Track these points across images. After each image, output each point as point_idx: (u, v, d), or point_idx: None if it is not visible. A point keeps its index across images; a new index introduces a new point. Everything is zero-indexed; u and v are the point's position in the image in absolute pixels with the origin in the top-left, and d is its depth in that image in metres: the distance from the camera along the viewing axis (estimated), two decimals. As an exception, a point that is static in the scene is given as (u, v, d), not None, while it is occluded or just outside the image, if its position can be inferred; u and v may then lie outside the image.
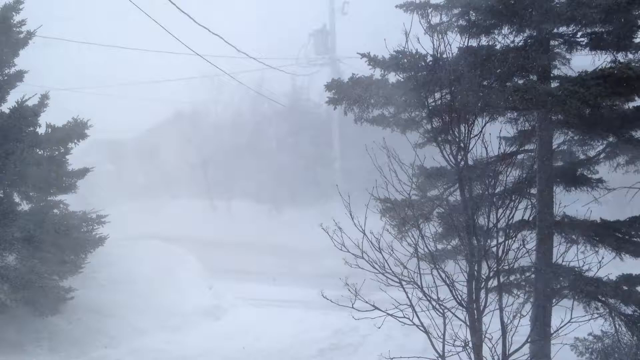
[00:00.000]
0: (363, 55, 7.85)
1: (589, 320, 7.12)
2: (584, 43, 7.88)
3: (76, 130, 12.93)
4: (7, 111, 12.16)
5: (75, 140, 13.08)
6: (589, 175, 8.67)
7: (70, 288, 12.54)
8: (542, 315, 7.65)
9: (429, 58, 7.09)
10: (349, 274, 6.59)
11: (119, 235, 14.62)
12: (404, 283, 6.47)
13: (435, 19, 7.67)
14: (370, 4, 28.77)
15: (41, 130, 12.74)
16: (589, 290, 7.58)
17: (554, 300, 7.83)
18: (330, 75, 26.71)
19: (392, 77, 7.83)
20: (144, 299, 13.80)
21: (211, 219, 26.79)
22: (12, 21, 12.22)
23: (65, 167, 13.23)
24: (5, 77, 12.42)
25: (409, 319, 6.49)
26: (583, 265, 7.26)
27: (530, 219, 7.41)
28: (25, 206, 12.74)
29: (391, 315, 6.54)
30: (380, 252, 6.48)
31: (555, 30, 7.85)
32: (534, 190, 7.90)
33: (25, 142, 12.19)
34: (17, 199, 12.57)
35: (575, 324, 6.45)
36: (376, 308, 6.57)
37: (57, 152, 12.99)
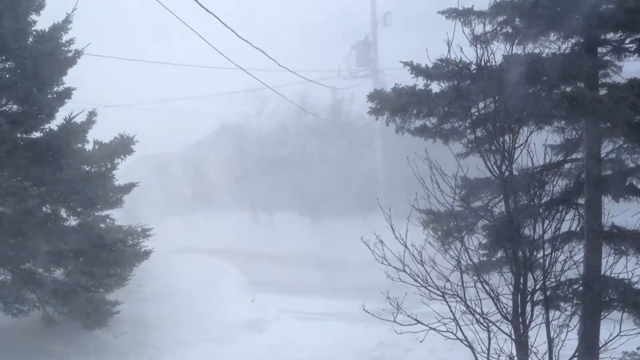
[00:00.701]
0: (406, 64, 7.77)
1: (639, 333, 6.90)
2: (632, 49, 7.66)
3: (122, 146, 13.15)
4: (55, 128, 12.45)
5: (122, 156, 13.29)
6: (638, 185, 8.40)
7: (116, 301, 12.73)
8: (590, 329, 7.42)
9: (473, 67, 6.98)
10: (391, 287, 6.50)
11: (163, 249, 14.81)
12: (447, 296, 6.36)
13: (479, 27, 7.55)
14: (412, 14, 28.71)
15: (89, 146, 13.01)
16: (638, 302, 7.33)
17: (602, 313, 7.59)
18: (372, 87, 26.68)
19: (436, 87, 7.74)
20: (188, 311, 13.92)
21: (254, 231, 26.92)
22: (60, 40, 12.52)
23: (111, 182, 13.46)
24: (54, 95, 12.72)
25: (452, 332, 6.37)
26: (632, 277, 7.05)
27: (578, 229, 7.22)
28: (72, 221, 12.99)
29: (434, 329, 6.43)
30: (423, 265, 6.39)
31: (602, 37, 7.65)
32: (581, 200, 7.69)
33: (74, 159, 12.46)
34: (64, 215, 12.83)
35: (625, 337, 6.27)
36: (419, 322, 6.47)
37: (104, 168, 13.23)
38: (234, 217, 28.49)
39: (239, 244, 24.28)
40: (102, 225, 13.41)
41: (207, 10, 10.29)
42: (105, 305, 12.63)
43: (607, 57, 7.82)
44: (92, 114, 13.15)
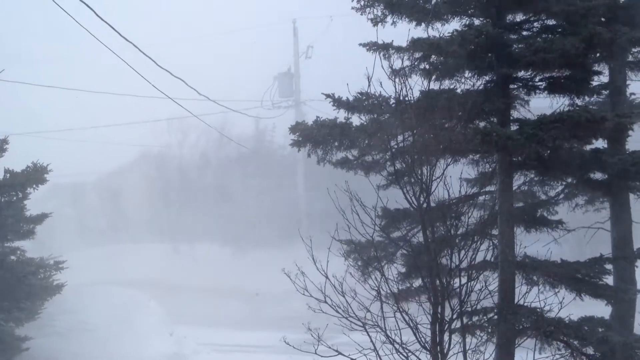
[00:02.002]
0: (327, 96, 7.89)
1: (550, 362, 7.15)
2: (542, 87, 8.05)
3: (35, 175, 12.68)
4: (-37, 156, 11.91)
5: (35, 185, 12.81)
6: (549, 216, 8.77)
7: (26, 337, 12.13)
8: (505, 357, 7.61)
9: (392, 100, 7.16)
10: (313, 317, 6.48)
11: (77, 282, 14.27)
12: (367, 327, 6.40)
13: (397, 62, 7.76)
14: (334, 48, 29.26)
15: (-1, 175, 12.48)
16: (550, 330, 7.59)
17: (516, 341, 7.82)
18: (295, 118, 26.89)
19: (356, 120, 7.88)
20: (103, 347, 13.42)
21: (174, 262, 26.34)
22: (-32, 64, 12.05)
23: (23, 212, 12.94)
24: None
25: (373, 363, 6.40)
26: (544, 306, 7.30)
27: (492, 259, 7.44)
28: (-20, 252, 12.37)
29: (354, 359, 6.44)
30: (344, 296, 6.41)
31: (514, 75, 8.01)
32: (495, 231, 7.94)
33: (-18, 187, 11.93)
34: (-29, 245, 12.22)
35: (538, 365, 6.44)
36: (339, 353, 6.47)
37: (15, 198, 12.71)
38: (154, 248, 27.84)
39: (158, 276, 23.70)
40: (12, 257, 12.81)
41: (126, 39, 10.14)
42: (14, 340, 12.00)
43: (518, 94, 8.19)
44: (3, 141, 12.68)
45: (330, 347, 6.44)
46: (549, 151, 7.11)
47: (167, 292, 20.10)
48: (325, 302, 6.39)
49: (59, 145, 27.64)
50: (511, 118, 8.02)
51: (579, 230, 8.58)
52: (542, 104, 8.12)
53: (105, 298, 15.37)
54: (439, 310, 6.33)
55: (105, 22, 9.22)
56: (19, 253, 13.09)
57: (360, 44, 8.18)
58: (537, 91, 8.19)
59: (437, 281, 6.36)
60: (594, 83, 8.26)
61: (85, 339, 13.40)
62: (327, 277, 6.45)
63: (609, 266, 8.21)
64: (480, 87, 7.99)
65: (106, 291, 16.06)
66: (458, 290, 6.43)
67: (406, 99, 6.65)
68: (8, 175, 12.55)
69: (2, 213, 12.17)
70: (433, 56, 7.77)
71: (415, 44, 7.66)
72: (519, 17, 8.18)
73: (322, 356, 6.41)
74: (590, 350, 7.63)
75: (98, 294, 15.50)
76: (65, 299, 13.55)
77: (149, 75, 13.01)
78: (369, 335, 6.42)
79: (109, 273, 22.77)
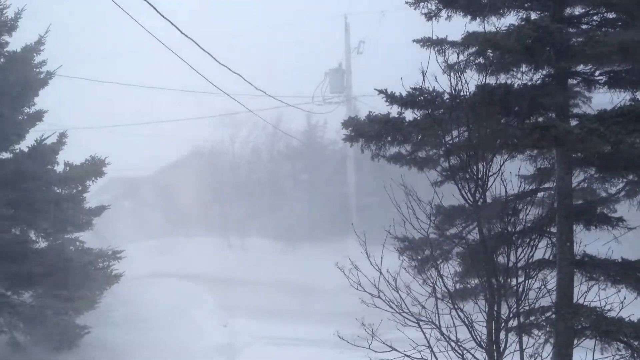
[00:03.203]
0: (380, 92, 7.83)
1: (610, 362, 6.98)
2: (602, 81, 7.84)
3: (94, 169, 13.03)
4: (26, 150, 12.29)
5: (93, 179, 13.16)
6: (609, 214, 8.53)
7: (84, 326, 12.50)
8: (563, 357, 7.46)
9: (446, 96, 7.07)
10: (366, 313, 6.48)
11: (134, 273, 14.62)
12: (421, 323, 6.35)
13: (452, 57, 7.66)
14: (386, 43, 29.11)
15: (59, 168, 12.85)
16: (610, 330, 7.39)
17: (575, 341, 7.65)
18: (346, 114, 26.89)
19: (409, 115, 7.81)
20: (158, 337, 13.72)
21: (227, 256, 26.73)
22: (32, 62, 12.43)
23: (82, 205, 13.30)
24: (25, 117, 12.59)
25: (426, 360, 6.36)
26: (605, 306, 7.12)
27: (551, 257, 7.29)
28: (42, 244, 12.78)
29: (408, 356, 6.41)
30: (398, 292, 6.38)
31: (573, 69, 7.82)
32: (553, 229, 7.78)
33: (43, 181, 12.30)
34: (33, 237, 12.62)
35: (597, 365, 6.30)
36: (393, 349, 6.45)
37: (74, 190, 13.08)
38: (207, 242, 28.28)
39: (210, 269, 24.05)
40: (71, 247, 13.21)
41: (185, 35, 10.30)
42: (73, 329, 12.38)
43: (578, 89, 7.99)
44: (62, 135, 13.03)
45: (384, 343, 6.43)
46: (610, 147, 6.91)
47: (220, 285, 20.38)
48: (379, 297, 6.37)
49: (117, 139, 28.35)
50: (571, 113, 7.83)
51: (641, 229, 8.32)
52: (602, 100, 7.90)
53: (160, 290, 15.74)
54: (496, 308, 6.25)
55: (166, 18, 9.39)
56: (78, 244, 13.48)
57: (413, 40, 8.10)
58: (597, 85, 7.97)
59: (494, 279, 6.27)
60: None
61: (142, 330, 13.73)
62: (380, 272, 6.43)
63: (672, 265, 7.94)
64: (538, 82, 7.82)
65: (162, 283, 16.43)
66: (515, 288, 6.33)
67: (461, 94, 6.56)
68: (68, 168, 12.93)
69: (62, 205, 12.53)
70: (489, 51, 7.64)
71: (471, 39, 7.53)
72: (578, 10, 7.97)
73: (375, 351, 6.40)
74: (651, 351, 7.41)
75: (154, 286, 15.87)
76: (123, 290, 13.91)
77: (204, 70, 13.19)
78: (423, 331, 6.38)
79: (165, 265, 23.24)
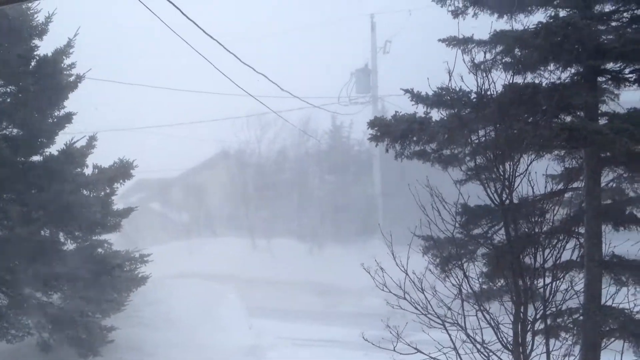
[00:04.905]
0: (406, 92, 7.79)
1: (639, 364, 6.88)
2: (632, 79, 7.70)
3: (122, 171, 13.14)
4: (55, 152, 12.46)
5: (121, 181, 13.27)
6: (638, 214, 8.39)
7: (112, 327, 12.62)
8: (592, 359, 7.35)
9: (473, 95, 7.01)
10: (391, 314, 6.46)
11: (161, 274, 14.73)
12: (447, 325, 6.30)
13: (478, 56, 7.59)
14: (412, 42, 28.99)
15: (88, 171, 13.01)
16: (638, 333, 7.27)
17: (603, 343, 7.53)
18: (372, 114, 26.84)
19: (436, 114, 7.75)
20: (185, 337, 13.81)
21: (252, 257, 26.84)
22: (62, 65, 12.59)
23: (110, 206, 13.43)
24: (55, 120, 12.76)
25: (452, 362, 6.31)
26: (633, 308, 7.00)
27: (578, 259, 7.19)
28: (70, 245, 12.93)
29: (433, 358, 6.37)
30: (423, 293, 6.34)
31: (602, 67, 7.70)
32: (581, 229, 7.67)
33: (73, 183, 12.46)
34: (62, 239, 12.79)
35: (626, 367, 6.20)
36: (419, 351, 6.40)
37: (103, 193, 13.21)
38: (233, 243, 28.44)
39: (237, 270, 24.17)
40: (99, 249, 13.34)
41: (210, 36, 10.36)
42: (101, 331, 12.52)
43: (607, 87, 7.87)
44: (92, 138, 13.18)
45: (409, 345, 6.39)
46: (639, 146, 6.78)
47: (246, 286, 20.45)
48: (405, 298, 6.34)
49: (143, 141, 28.64)
50: (600, 112, 7.71)
51: (671, 230, 8.16)
52: (632, 98, 7.77)
53: (187, 290, 15.83)
54: (522, 310, 6.17)
55: (190, 19, 9.45)
56: (106, 246, 13.61)
57: (439, 40, 8.05)
58: (627, 84, 7.84)
59: (520, 281, 6.20)
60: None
61: (168, 330, 13.83)
62: (406, 274, 6.39)
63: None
64: (567, 80, 7.71)
65: (188, 284, 16.53)
66: (542, 290, 6.24)
67: (488, 93, 6.50)
68: (96, 170, 13.07)
69: (90, 207, 12.66)
70: (516, 49, 7.56)
71: (498, 37, 7.47)
72: (608, 7, 7.84)
73: (400, 353, 6.37)
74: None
75: (181, 287, 15.97)
76: (150, 290, 14.01)
77: (229, 71, 13.23)
78: (448, 333, 6.33)
79: (191, 266, 23.43)
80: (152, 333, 13.65)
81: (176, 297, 15.10)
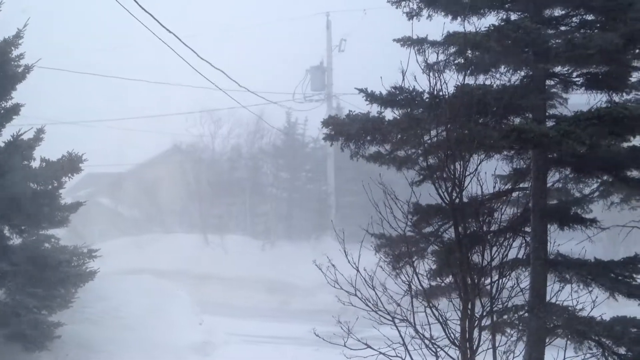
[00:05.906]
0: (360, 91, 7.86)
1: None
2: (579, 83, 7.93)
3: (71, 164, 12.82)
4: (2, 145, 12.13)
5: (70, 174, 12.97)
6: (583, 214, 8.64)
7: (59, 323, 12.34)
8: (535, 355, 7.55)
9: (426, 95, 7.11)
10: (342, 310, 6.50)
11: (110, 270, 14.51)
12: (396, 321, 6.38)
13: (432, 56, 7.70)
14: (367, 41, 29.21)
15: (35, 164, 12.67)
16: (582, 329, 7.49)
17: (547, 340, 7.74)
18: (327, 111, 26.95)
19: (389, 114, 7.84)
20: (134, 334, 13.61)
21: (204, 253, 26.61)
22: (10, 55, 12.26)
23: (58, 201, 13.10)
24: (2, 111, 12.41)
25: (401, 357, 6.39)
26: (577, 305, 7.21)
27: (524, 257, 7.36)
28: (16, 240, 12.60)
29: (383, 354, 6.43)
30: (374, 290, 6.41)
31: (551, 70, 7.90)
32: (528, 228, 7.87)
33: (19, 176, 12.13)
34: (7, 233, 12.45)
35: (568, 364, 6.38)
36: (369, 346, 6.47)
37: (50, 186, 12.89)
38: (184, 238, 28.17)
39: (188, 266, 23.96)
40: (46, 244, 13.03)
41: (168, 30, 10.25)
42: (47, 327, 12.23)
43: (555, 90, 8.08)
44: (40, 131, 12.85)
45: (359, 340, 6.45)
46: (585, 148, 7.00)
47: (198, 282, 20.34)
48: (356, 295, 6.39)
49: (94, 134, 28.11)
50: (547, 115, 7.92)
51: (614, 229, 8.44)
52: (578, 101, 8.00)
53: (137, 286, 15.59)
54: (469, 306, 6.29)
55: (149, 12, 9.34)
56: (53, 241, 13.29)
57: (394, 40, 8.14)
58: (575, 87, 8.07)
59: (468, 278, 6.32)
60: (633, 79, 8.09)
61: (117, 327, 13.61)
62: (357, 270, 6.45)
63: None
64: (517, 83, 7.89)
65: (138, 280, 16.30)
66: (489, 287, 6.38)
67: (440, 93, 6.60)
68: (44, 164, 12.75)
69: (37, 201, 12.36)
70: (469, 51, 7.69)
71: (451, 39, 7.58)
72: (557, 12, 8.06)
73: (351, 349, 6.43)
74: (622, 350, 7.53)
75: (130, 283, 15.73)
76: (98, 286, 13.77)
77: (186, 67, 13.12)
78: (398, 329, 6.41)
79: (142, 262, 23.11)
80: (101, 330, 13.41)
81: (125, 293, 14.86)
